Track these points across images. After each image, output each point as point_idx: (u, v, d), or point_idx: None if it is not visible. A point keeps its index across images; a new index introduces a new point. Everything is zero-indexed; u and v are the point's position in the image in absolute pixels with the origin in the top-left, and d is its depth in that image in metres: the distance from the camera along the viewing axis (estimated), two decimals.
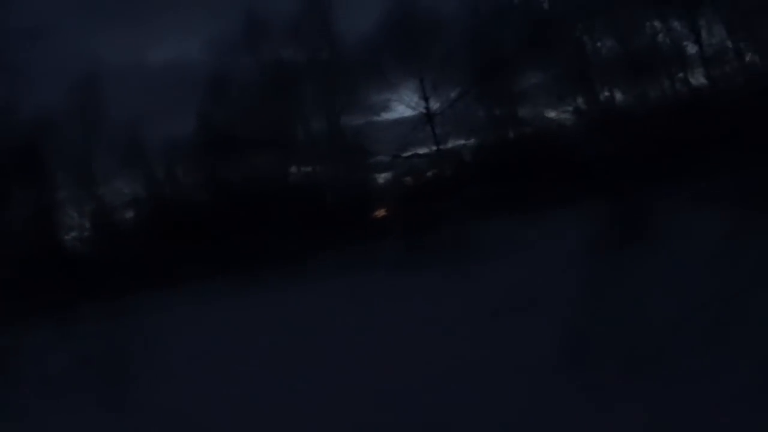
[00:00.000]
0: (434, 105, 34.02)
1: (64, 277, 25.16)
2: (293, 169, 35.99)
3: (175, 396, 9.83)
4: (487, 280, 14.80)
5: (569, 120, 31.76)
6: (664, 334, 7.23)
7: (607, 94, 31.44)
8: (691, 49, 29.23)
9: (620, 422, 5.70)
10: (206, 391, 10.10)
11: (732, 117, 16.18)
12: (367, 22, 48.04)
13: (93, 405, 9.51)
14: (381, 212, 33.28)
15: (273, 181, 33.47)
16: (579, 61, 30.79)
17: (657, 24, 29.45)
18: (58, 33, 44.02)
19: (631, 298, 8.17)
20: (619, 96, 30.95)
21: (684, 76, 29.83)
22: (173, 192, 37.17)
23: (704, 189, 13.97)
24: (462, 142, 34.58)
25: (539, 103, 32.80)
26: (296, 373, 10.18)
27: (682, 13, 27.73)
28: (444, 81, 33.40)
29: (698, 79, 29.34)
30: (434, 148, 34.25)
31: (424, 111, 34.16)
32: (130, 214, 36.65)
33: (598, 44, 31.28)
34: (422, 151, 34.37)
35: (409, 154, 33.95)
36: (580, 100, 31.80)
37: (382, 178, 36.27)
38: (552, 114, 32.62)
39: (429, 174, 33.98)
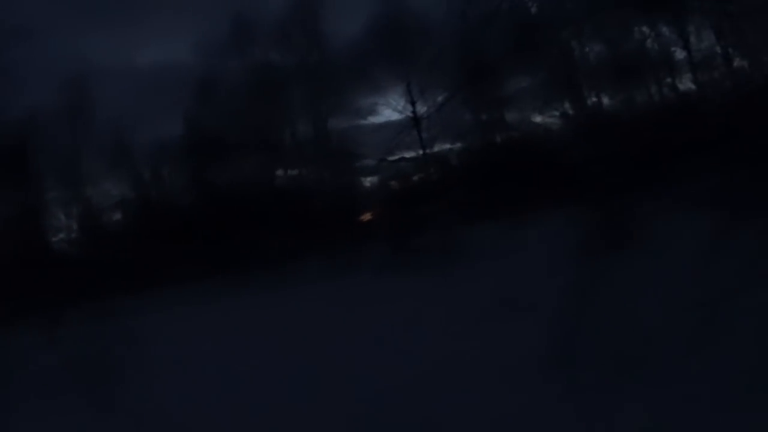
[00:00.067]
0: (421, 109, 34.19)
1: (51, 278, 24.96)
2: (280, 172, 36.04)
3: (162, 397, 9.76)
4: (473, 284, 14.79)
5: (556, 124, 31.86)
6: (651, 337, 7.22)
7: (594, 99, 31.54)
8: (679, 54, 29.40)
9: (607, 425, 5.68)
10: (192, 393, 10.06)
11: (719, 122, 16.24)
12: (355, 26, 48.15)
13: (80, 407, 9.48)
14: (367, 215, 33.23)
15: (259, 184, 33.46)
16: (566, 66, 30.81)
17: (644, 29, 29.55)
18: (45, 34, 43.65)
19: (617, 302, 8.14)
20: (606, 101, 31.05)
21: (671, 81, 29.99)
22: (160, 194, 37.20)
23: (691, 193, 14.00)
24: (448, 146, 34.86)
25: (526, 108, 32.91)
26: (282, 375, 10.15)
27: (669, 19, 27.81)
28: (431, 85, 33.51)
29: (685, 84, 29.52)
30: (421, 152, 34.40)
31: (410, 115, 34.31)
32: (117, 215, 36.78)
33: (586, 49, 31.32)
34: (409, 154, 34.51)
35: (395, 157, 34.02)
36: (567, 105, 31.90)
37: (369, 181, 36.44)
38: (539, 119, 32.75)
39: (415, 178, 34.06)
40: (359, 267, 22.04)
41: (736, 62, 26.63)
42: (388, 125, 34.54)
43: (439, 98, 33.42)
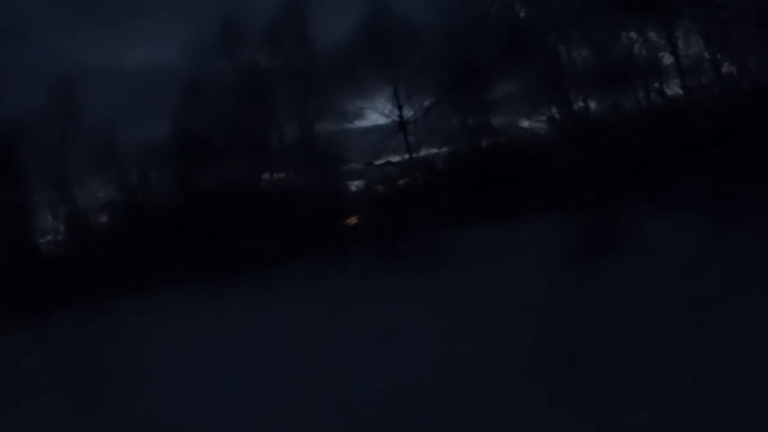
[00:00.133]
0: (408, 113, 34.08)
1: (39, 279, 24.83)
2: (266, 174, 36.03)
3: (149, 399, 9.84)
4: (459, 288, 14.76)
5: (543, 129, 31.93)
6: (641, 339, 7.22)
7: (581, 103, 31.65)
8: (667, 59, 29.56)
9: (598, 426, 5.68)
10: (179, 395, 10.05)
11: (707, 126, 16.31)
12: (343, 29, 48.22)
13: (68, 408, 9.51)
14: (353, 219, 33.15)
15: (246, 187, 33.43)
16: (554, 71, 30.89)
17: (632, 34, 29.67)
18: (33, 34, 43.54)
19: (605, 306, 8.11)
20: (593, 105, 31.16)
21: (659, 86, 30.12)
22: (148, 195, 37.21)
23: (680, 197, 14.02)
24: (435, 150, 34.90)
25: (513, 113, 33.02)
26: (269, 378, 10.10)
27: (657, 24, 27.93)
28: (418, 89, 33.30)
29: (673, 89, 29.68)
30: (407, 156, 34.35)
31: (397, 119, 34.28)
32: (105, 217, 36.75)
33: (573, 54, 31.44)
34: (395, 159, 34.42)
35: (382, 161, 33.89)
36: (554, 110, 32.00)
37: (355, 185, 36.44)
38: (526, 123, 32.83)
39: (402, 182, 34.02)
40: (345, 270, 22.03)
41: (724, 68, 26.79)
42: (374, 129, 34.35)
43: (426, 102, 33.31)
